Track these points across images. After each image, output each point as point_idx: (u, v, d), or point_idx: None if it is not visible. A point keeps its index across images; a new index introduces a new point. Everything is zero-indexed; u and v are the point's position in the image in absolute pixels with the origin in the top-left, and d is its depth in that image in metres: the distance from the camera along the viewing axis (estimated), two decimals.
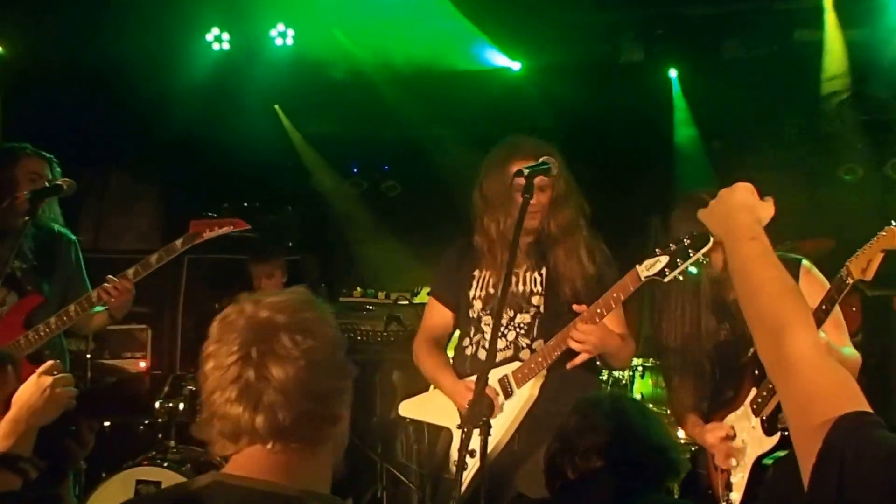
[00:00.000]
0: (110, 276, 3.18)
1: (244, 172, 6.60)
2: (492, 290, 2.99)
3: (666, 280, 2.63)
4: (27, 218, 3.01)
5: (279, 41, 5.95)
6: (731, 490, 2.71)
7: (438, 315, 3.15)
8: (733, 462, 2.71)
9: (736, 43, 5.49)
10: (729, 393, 2.81)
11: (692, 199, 2.63)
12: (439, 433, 3.05)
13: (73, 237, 3.40)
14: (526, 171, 2.64)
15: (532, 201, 2.68)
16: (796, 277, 2.73)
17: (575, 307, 2.81)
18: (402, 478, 4.75)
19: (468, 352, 3.05)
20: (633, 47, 5.68)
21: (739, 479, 2.70)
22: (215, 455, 1.37)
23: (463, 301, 3.08)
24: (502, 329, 2.96)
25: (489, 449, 2.49)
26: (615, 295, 2.75)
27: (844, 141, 5.49)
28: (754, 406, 2.69)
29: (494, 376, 2.89)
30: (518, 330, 2.98)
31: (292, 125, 6.67)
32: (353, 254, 6.44)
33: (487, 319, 3.00)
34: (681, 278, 2.63)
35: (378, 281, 5.88)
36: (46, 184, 3.21)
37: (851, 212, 5.39)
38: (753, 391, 2.70)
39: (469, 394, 2.71)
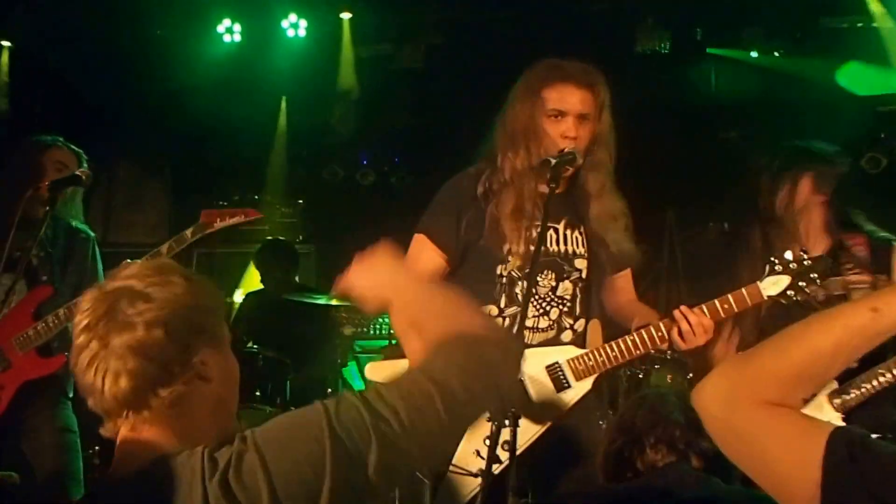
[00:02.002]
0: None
1: (255, 165, 6.58)
2: (531, 247, 2.41)
3: (785, 302, 2.43)
4: (47, 208, 2.98)
5: (291, 32, 5.89)
6: None
7: (431, 261, 2.53)
8: None
9: (757, 31, 5.41)
10: None
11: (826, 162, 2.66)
12: None
13: (92, 234, 3.37)
14: (553, 161, 2.35)
15: (571, 135, 2.42)
16: (888, 257, 2.65)
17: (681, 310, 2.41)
18: (416, 472, 4.72)
19: None
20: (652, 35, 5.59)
21: None
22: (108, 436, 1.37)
23: (476, 252, 2.52)
24: (543, 304, 2.50)
25: (522, 442, 2.23)
26: (725, 307, 2.40)
27: (863, 132, 5.41)
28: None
29: (537, 360, 2.47)
30: (561, 306, 2.52)
31: (302, 117, 6.60)
32: (363, 247, 6.39)
33: (523, 286, 2.46)
34: (800, 298, 2.44)
35: None
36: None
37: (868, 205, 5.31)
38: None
39: None
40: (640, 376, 4.61)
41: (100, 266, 3.33)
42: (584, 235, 2.54)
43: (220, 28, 5.90)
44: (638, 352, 2.45)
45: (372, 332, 5.74)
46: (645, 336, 2.44)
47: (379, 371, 2.75)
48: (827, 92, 5.31)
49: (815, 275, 2.41)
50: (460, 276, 2.54)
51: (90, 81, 5.75)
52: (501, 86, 2.61)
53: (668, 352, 4.68)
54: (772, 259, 2.44)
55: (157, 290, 1.33)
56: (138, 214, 6.66)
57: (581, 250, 2.54)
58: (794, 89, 5.40)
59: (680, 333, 2.40)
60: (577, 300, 2.53)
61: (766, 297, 2.42)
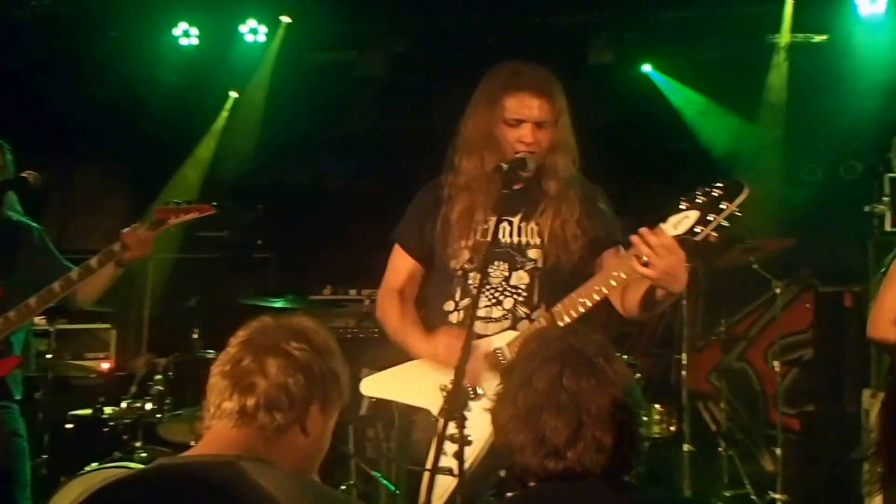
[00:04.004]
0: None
1: (216, 169, 6.57)
2: (481, 239, 2.52)
3: (697, 239, 2.22)
4: None
5: (250, 37, 5.92)
6: None
7: (404, 265, 2.73)
8: None
9: (710, 44, 5.57)
10: None
11: None
12: (411, 423, 2.64)
13: (35, 224, 3.31)
14: (505, 167, 2.43)
15: (528, 140, 2.47)
16: None
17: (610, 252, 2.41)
18: (373, 473, 4.76)
19: (454, 318, 2.59)
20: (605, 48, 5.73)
21: None
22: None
23: (439, 252, 2.63)
24: (496, 294, 2.55)
25: (479, 436, 2.14)
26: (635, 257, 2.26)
27: (804, 142, 5.60)
28: None
29: (484, 349, 2.45)
30: (516, 295, 2.55)
31: (267, 120, 6.60)
32: (325, 251, 6.42)
33: (476, 277, 2.51)
34: (714, 235, 2.23)
35: (350, 278, 5.88)
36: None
37: (811, 212, 5.50)
38: None
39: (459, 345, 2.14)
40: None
41: (54, 250, 3.29)
42: (539, 227, 2.58)
43: (177, 31, 5.89)
44: (582, 306, 2.36)
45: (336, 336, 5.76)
46: (600, 279, 2.37)
47: (376, 386, 2.72)
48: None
49: (724, 202, 2.19)
50: (429, 278, 2.71)
51: (45, 84, 5.69)
52: (463, 93, 2.69)
53: (617, 353, 4.82)
54: (680, 197, 2.26)
55: (315, 337, 1.55)
56: (96, 220, 6.61)
57: (535, 241, 2.57)
58: (737, 101, 5.57)
59: (643, 261, 2.23)
60: (535, 289, 2.54)
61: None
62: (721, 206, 2.21)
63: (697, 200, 2.23)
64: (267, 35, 5.91)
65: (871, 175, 4.80)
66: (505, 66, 2.62)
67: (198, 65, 6.01)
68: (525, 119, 2.52)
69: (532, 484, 1.54)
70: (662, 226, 2.25)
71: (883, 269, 2.88)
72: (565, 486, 1.50)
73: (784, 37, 5.27)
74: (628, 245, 2.31)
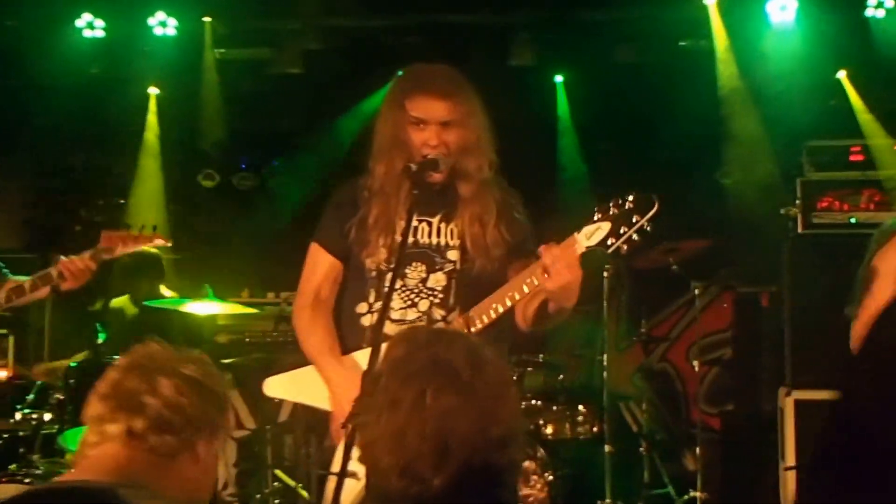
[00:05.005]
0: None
1: (123, 168, 6.32)
2: (399, 238, 2.48)
3: (609, 252, 2.28)
4: None
5: (159, 30, 5.70)
6: None
7: (323, 264, 2.63)
8: None
9: (627, 48, 5.63)
10: None
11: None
12: (327, 429, 2.60)
13: None
14: (414, 168, 2.44)
15: (433, 142, 2.47)
16: None
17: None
18: (291, 481, 4.64)
19: (365, 321, 2.55)
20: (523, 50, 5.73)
21: None
22: None
23: (355, 253, 2.60)
24: (412, 296, 2.51)
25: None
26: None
27: (721, 146, 5.73)
28: None
29: None
30: (432, 297, 2.52)
31: (174, 119, 6.39)
32: (241, 253, 6.24)
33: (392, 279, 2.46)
34: (624, 248, 2.29)
35: (268, 281, 5.73)
36: None
37: (727, 214, 5.63)
38: None
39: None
40: (514, 378, 4.69)
41: None
42: (458, 229, 2.57)
43: (80, 22, 5.65)
44: (495, 312, 2.37)
45: (248, 339, 5.60)
46: (509, 289, 2.39)
47: (280, 387, 2.68)
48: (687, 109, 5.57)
49: (636, 215, 2.26)
50: (345, 278, 2.65)
51: None
52: (378, 92, 2.67)
53: (541, 355, 4.82)
54: (595, 208, 2.32)
55: (205, 360, 1.51)
56: None
57: (454, 242, 2.56)
58: (659, 105, 5.65)
59: (546, 270, 2.28)
60: (452, 291, 2.53)
61: (583, 249, 2.28)
62: (633, 220, 2.27)
63: (610, 212, 2.29)
64: (177, 29, 5.72)
65: (786, 179, 4.93)
66: (411, 69, 2.66)
67: (105, 58, 5.79)
68: (429, 120, 2.52)
69: None
70: (577, 235, 2.31)
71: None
72: None
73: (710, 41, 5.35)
74: (537, 254, 2.35)
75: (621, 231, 2.26)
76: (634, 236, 2.27)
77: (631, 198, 2.27)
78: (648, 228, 2.27)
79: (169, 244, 3.10)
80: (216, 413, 1.46)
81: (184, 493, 1.39)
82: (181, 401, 1.39)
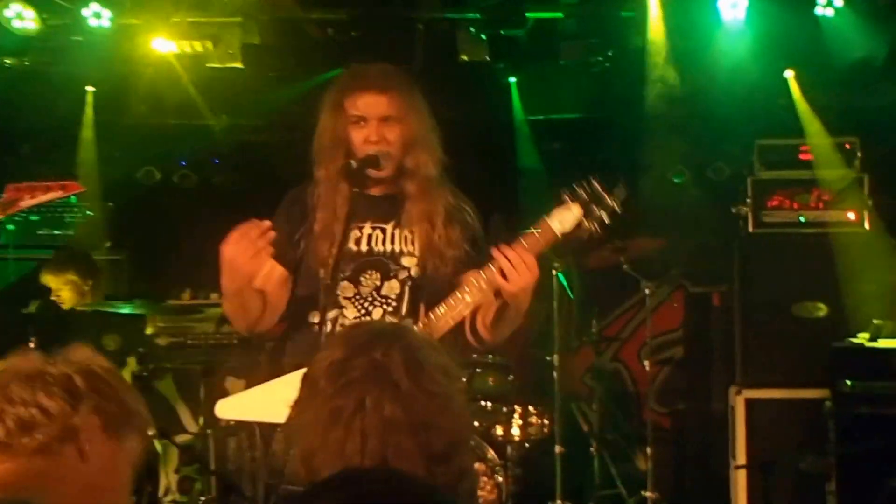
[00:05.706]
0: None
1: (58, 165, 6.08)
2: (354, 247, 2.47)
3: (583, 235, 2.28)
4: None
5: (94, 21, 5.47)
6: None
7: (272, 272, 2.53)
8: None
9: (574, 46, 5.58)
10: None
11: None
12: (272, 434, 2.51)
13: None
14: (354, 164, 2.42)
15: (373, 139, 2.44)
16: None
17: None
18: (235, 487, 4.52)
19: (317, 330, 2.48)
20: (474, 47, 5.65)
21: None
22: None
23: (306, 262, 2.55)
24: (366, 305, 2.46)
25: None
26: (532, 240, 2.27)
27: (672, 144, 5.71)
28: None
29: None
30: (385, 305, 2.49)
31: (112, 114, 6.17)
32: (182, 253, 6.06)
33: (346, 287, 2.46)
34: (598, 231, 2.28)
35: (211, 281, 5.54)
36: None
37: (679, 213, 5.62)
38: None
39: None
40: (464, 380, 4.61)
41: None
42: (412, 234, 2.53)
43: (9, 13, 5.38)
44: (455, 317, 2.34)
45: (190, 342, 5.43)
46: (461, 294, 2.34)
47: (233, 408, 2.61)
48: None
49: (608, 195, 2.25)
50: (296, 286, 2.57)
51: None
52: (323, 87, 2.63)
53: (490, 355, 4.73)
54: (561, 190, 2.29)
55: (79, 354, 1.38)
56: None
57: (411, 248, 2.52)
58: (612, 105, 5.64)
59: (503, 273, 2.27)
60: (405, 299, 2.49)
61: (560, 236, 2.27)
62: (605, 202, 2.27)
63: (579, 195, 2.27)
64: (112, 21, 5.50)
65: (737, 177, 4.93)
66: (349, 69, 2.64)
67: (37, 50, 5.54)
68: (368, 116, 2.49)
69: None
70: (547, 220, 2.28)
71: None
72: None
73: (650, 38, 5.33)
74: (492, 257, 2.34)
75: (594, 213, 2.26)
76: (606, 219, 2.26)
77: (597, 181, 2.28)
78: (619, 210, 2.27)
79: (83, 189, 2.90)
80: (97, 400, 1.32)
81: (76, 499, 1.28)
82: (37, 396, 1.28)
